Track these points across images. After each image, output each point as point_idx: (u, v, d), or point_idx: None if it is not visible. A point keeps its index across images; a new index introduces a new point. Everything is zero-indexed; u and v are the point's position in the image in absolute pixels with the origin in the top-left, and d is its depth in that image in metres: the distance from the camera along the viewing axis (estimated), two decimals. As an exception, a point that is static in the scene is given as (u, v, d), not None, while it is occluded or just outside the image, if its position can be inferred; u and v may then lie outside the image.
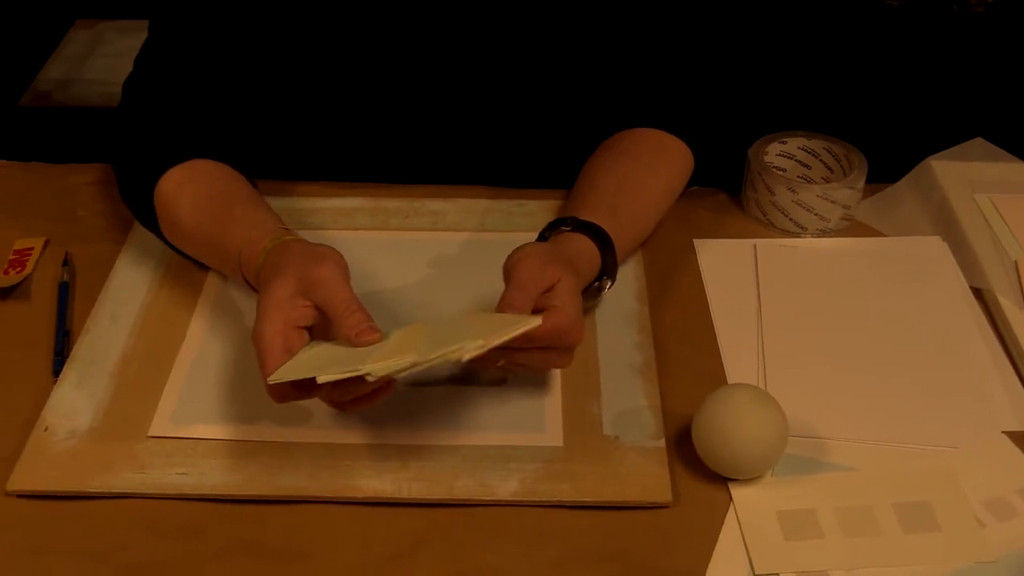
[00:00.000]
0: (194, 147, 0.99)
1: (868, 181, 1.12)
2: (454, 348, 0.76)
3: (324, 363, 0.80)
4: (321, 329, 0.84)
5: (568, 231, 0.96)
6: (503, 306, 0.84)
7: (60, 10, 2.34)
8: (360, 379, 0.77)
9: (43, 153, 1.22)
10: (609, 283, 0.96)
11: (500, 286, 1.01)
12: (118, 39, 2.25)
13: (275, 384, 0.79)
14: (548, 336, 0.83)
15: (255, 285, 0.89)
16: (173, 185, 0.97)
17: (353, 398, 0.81)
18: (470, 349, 0.76)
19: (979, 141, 1.24)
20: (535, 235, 0.99)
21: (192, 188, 0.97)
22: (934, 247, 1.10)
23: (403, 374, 0.76)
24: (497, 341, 0.77)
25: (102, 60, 2.19)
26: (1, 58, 2.18)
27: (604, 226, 0.96)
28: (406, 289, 1.02)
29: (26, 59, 2.20)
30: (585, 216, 0.96)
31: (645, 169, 1.05)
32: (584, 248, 0.94)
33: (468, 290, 1.02)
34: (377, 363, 0.76)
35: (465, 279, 1.03)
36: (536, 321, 0.80)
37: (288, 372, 0.79)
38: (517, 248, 0.89)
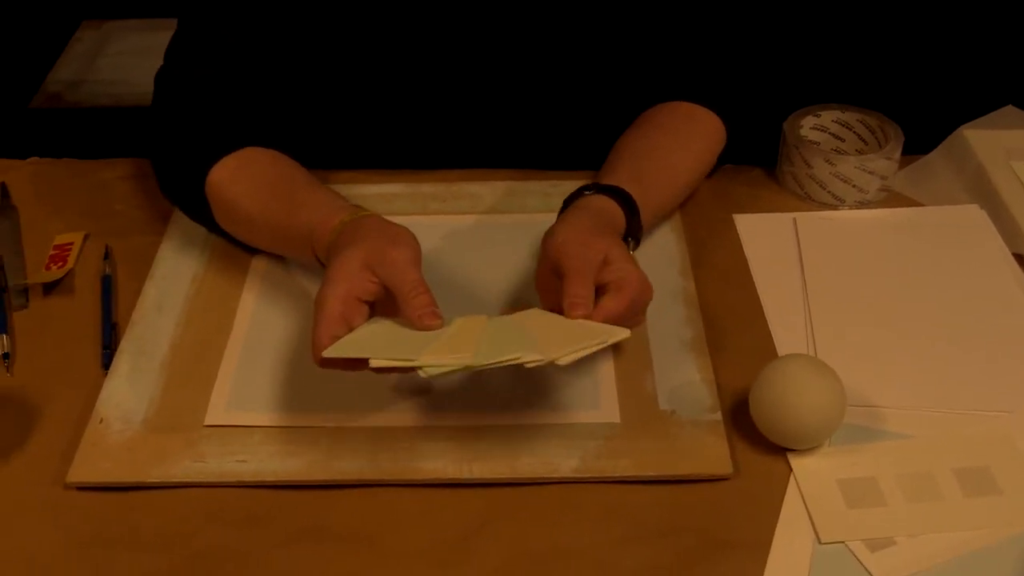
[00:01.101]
0: (243, 136, 0.99)
1: (902, 152, 1.12)
2: (511, 357, 0.76)
3: (380, 344, 0.80)
4: (384, 307, 0.84)
5: (590, 194, 0.96)
6: (570, 306, 0.82)
7: (66, 11, 2.33)
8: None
9: (58, 154, 1.21)
10: (633, 244, 0.96)
11: (534, 265, 1.01)
12: (125, 38, 2.25)
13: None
14: (627, 310, 0.83)
15: (325, 261, 0.89)
16: (227, 173, 0.97)
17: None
18: (529, 361, 0.76)
19: (1010, 109, 1.24)
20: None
21: (249, 173, 0.97)
22: (973, 215, 1.10)
23: (455, 375, 0.77)
24: (572, 356, 0.77)
25: (111, 60, 2.19)
26: (10, 61, 2.18)
27: (627, 189, 0.95)
28: (447, 271, 1.02)
29: (34, 61, 2.20)
30: (607, 181, 0.96)
31: (673, 139, 1.05)
32: (607, 207, 0.94)
33: (507, 271, 1.02)
34: (430, 358, 0.76)
35: (504, 260, 1.03)
36: (621, 334, 0.80)
37: (344, 348, 0.79)
38: (550, 233, 0.89)
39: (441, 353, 0.78)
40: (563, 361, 0.77)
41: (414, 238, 0.86)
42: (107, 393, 0.90)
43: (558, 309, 0.84)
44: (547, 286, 0.89)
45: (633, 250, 0.96)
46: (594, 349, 0.79)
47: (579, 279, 0.84)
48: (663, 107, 1.09)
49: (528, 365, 0.76)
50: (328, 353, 0.79)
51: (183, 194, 1.01)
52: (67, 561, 0.79)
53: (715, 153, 1.10)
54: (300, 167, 1.00)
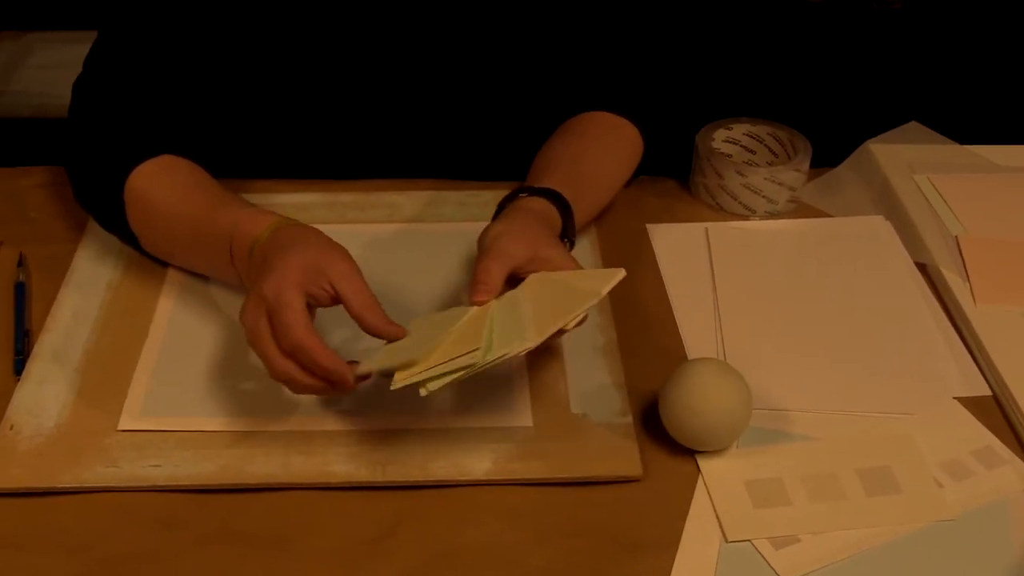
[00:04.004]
0: (162, 143, 0.99)
1: (810, 165, 1.15)
2: (509, 351, 0.79)
3: (398, 351, 0.82)
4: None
5: (525, 196, 0.97)
6: (472, 289, 0.85)
7: (-17, 23, 2.30)
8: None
9: (-25, 166, 1.20)
10: (569, 245, 0.97)
11: (458, 273, 1.03)
12: (46, 50, 2.22)
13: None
14: None
15: (243, 261, 0.89)
16: (145, 179, 0.97)
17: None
18: (525, 349, 0.79)
19: (914, 125, 1.28)
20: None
21: (169, 178, 0.97)
22: (878, 226, 1.14)
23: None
24: (577, 318, 0.81)
25: (30, 72, 2.16)
26: (-74, 72, 2.14)
27: (561, 191, 0.97)
28: (368, 279, 1.02)
29: (-49, 73, 2.16)
30: (540, 185, 0.98)
31: (598, 146, 1.07)
32: (544, 209, 0.96)
33: (428, 278, 1.03)
34: (436, 366, 0.79)
35: (424, 268, 1.04)
36: (617, 276, 0.83)
37: (376, 362, 0.81)
38: (485, 231, 0.91)
39: (455, 349, 0.80)
40: (570, 326, 0.81)
41: (347, 251, 0.86)
42: (18, 399, 0.89)
43: None
44: None
45: (570, 250, 0.98)
46: (587, 306, 0.82)
47: (489, 264, 0.86)
48: (584, 117, 1.11)
49: (523, 352, 0.79)
50: (362, 370, 0.80)
51: (99, 200, 1.00)
52: (-24, 567, 0.78)
53: (636, 162, 1.12)
54: (214, 179, 1.00)
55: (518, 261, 0.87)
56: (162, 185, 0.97)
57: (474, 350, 0.79)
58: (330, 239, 0.87)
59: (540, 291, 0.86)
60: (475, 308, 0.86)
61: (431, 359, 0.80)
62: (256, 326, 0.81)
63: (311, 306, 0.83)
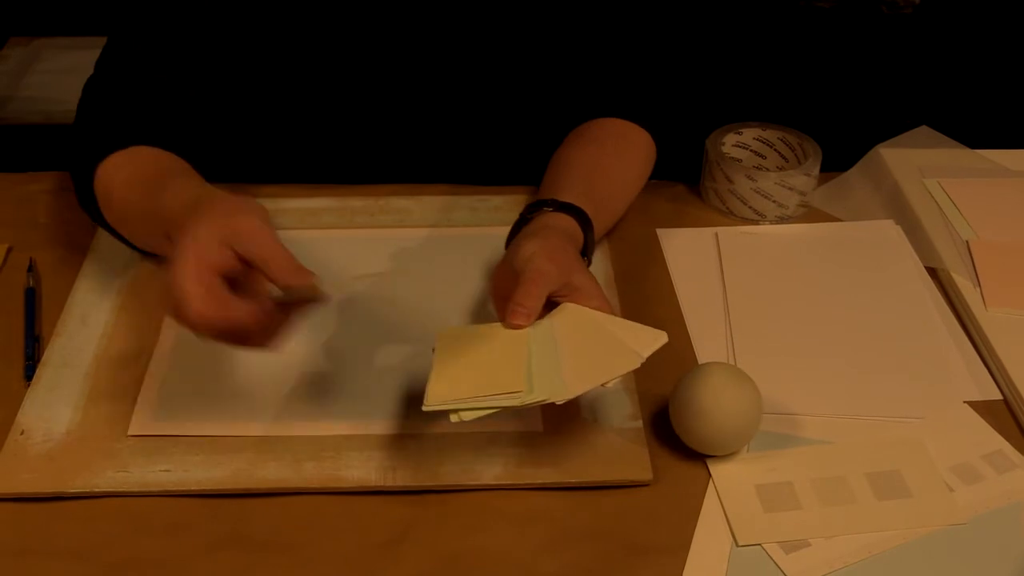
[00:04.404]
0: (139, 135, 0.98)
1: (820, 170, 1.15)
2: (544, 398, 0.79)
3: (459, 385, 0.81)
4: (244, 283, 0.80)
5: (551, 211, 0.97)
6: (511, 312, 0.84)
7: (-7, 28, 2.31)
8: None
9: (-15, 171, 1.21)
10: (587, 262, 0.97)
11: (469, 278, 1.02)
12: (55, 56, 2.23)
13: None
14: None
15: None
16: (112, 167, 0.96)
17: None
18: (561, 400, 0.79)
19: (924, 129, 1.28)
20: (500, 229, 0.99)
21: (130, 167, 0.95)
22: (889, 230, 1.13)
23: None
24: (617, 378, 0.81)
25: (39, 77, 2.17)
26: (-65, 78, 2.15)
27: (582, 207, 0.97)
28: (375, 285, 1.03)
29: (-41, 78, 2.17)
30: (563, 198, 0.98)
31: (612, 156, 1.07)
32: (570, 227, 0.95)
33: (439, 284, 1.03)
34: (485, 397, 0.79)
35: (433, 273, 1.05)
36: (659, 340, 0.83)
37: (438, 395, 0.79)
38: (517, 246, 0.89)
39: (494, 380, 0.80)
40: (609, 385, 0.81)
41: (260, 206, 0.82)
42: (29, 405, 0.90)
43: None
44: (506, 296, 0.88)
45: (588, 267, 0.98)
46: (629, 370, 0.82)
47: (530, 288, 0.84)
48: (596, 123, 1.11)
49: (560, 403, 0.79)
50: (428, 407, 0.78)
51: (81, 195, 1.00)
52: (-13, 572, 0.79)
53: (649, 169, 1.12)
54: (189, 166, 0.96)
55: (555, 285, 0.86)
56: (122, 173, 0.95)
57: (516, 392, 0.79)
58: (233, 198, 0.83)
59: (577, 332, 0.85)
60: (511, 330, 0.85)
61: (469, 385, 0.80)
62: (170, 313, 0.78)
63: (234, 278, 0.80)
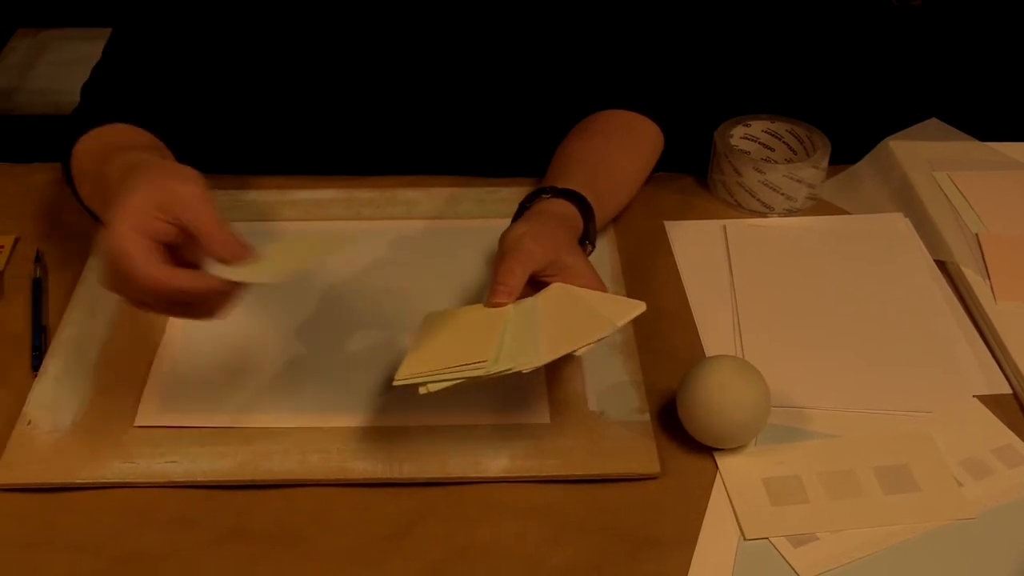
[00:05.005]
0: (120, 114, 0.97)
1: (829, 162, 1.14)
2: (515, 366, 0.78)
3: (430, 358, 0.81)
4: (183, 251, 0.79)
5: (549, 197, 0.96)
6: (492, 291, 0.84)
7: (0, 19, 2.30)
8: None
9: (-9, 162, 1.21)
10: (590, 248, 0.97)
11: (476, 270, 1.02)
12: (62, 47, 2.22)
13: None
14: None
15: None
16: (86, 140, 0.95)
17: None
18: (528, 368, 0.79)
19: (934, 121, 1.27)
20: (507, 221, 0.98)
21: (98, 141, 0.95)
22: (898, 223, 1.13)
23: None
24: (588, 345, 0.80)
25: (47, 69, 2.17)
26: (-59, 69, 2.15)
27: (582, 192, 0.97)
28: (382, 276, 1.03)
29: (-34, 69, 2.17)
30: (563, 185, 0.98)
31: (617, 146, 1.07)
32: (567, 212, 0.95)
33: (446, 276, 1.03)
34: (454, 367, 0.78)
35: (440, 265, 1.04)
36: (637, 309, 0.83)
37: (409, 372, 0.79)
38: (508, 230, 0.90)
39: (464, 353, 0.79)
40: (579, 352, 0.80)
41: (199, 174, 0.79)
42: (36, 395, 0.90)
43: None
44: None
45: (590, 253, 0.98)
46: (600, 337, 0.81)
47: (511, 266, 0.85)
48: (603, 115, 1.10)
49: (527, 371, 0.79)
50: (399, 382, 0.78)
51: (67, 174, 0.99)
52: (-7, 563, 0.79)
53: (655, 161, 1.12)
54: (160, 143, 0.95)
55: (540, 264, 0.86)
56: (89, 144, 0.95)
57: (482, 361, 0.79)
58: (170, 165, 0.82)
59: (559, 307, 0.85)
60: (492, 309, 0.85)
61: (439, 359, 0.80)
62: (115, 288, 0.77)
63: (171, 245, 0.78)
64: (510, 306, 0.85)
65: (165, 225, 0.76)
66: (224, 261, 0.76)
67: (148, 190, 0.76)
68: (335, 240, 0.89)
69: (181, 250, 0.78)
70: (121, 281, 0.76)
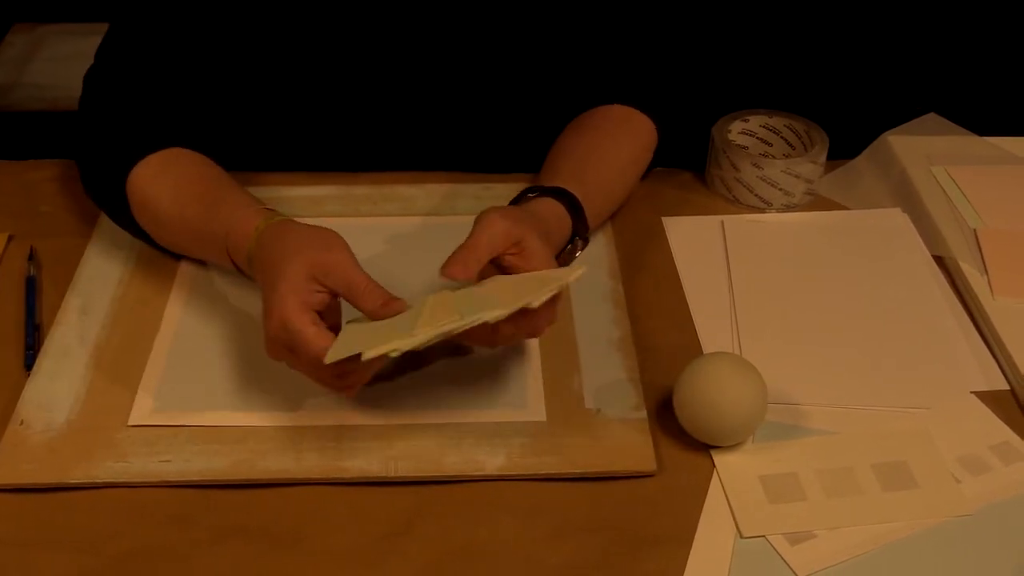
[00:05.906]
0: (168, 135, 0.99)
1: (827, 158, 1.14)
2: (477, 318, 0.78)
3: (368, 337, 0.80)
4: (330, 315, 0.85)
5: (535, 197, 0.97)
6: (446, 263, 0.85)
7: (-4, 14, 2.30)
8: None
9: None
10: (582, 244, 0.97)
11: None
12: (59, 43, 2.22)
13: (335, 367, 0.80)
14: None
15: (244, 267, 0.89)
16: (150, 173, 0.97)
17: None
18: (494, 317, 0.79)
19: (932, 116, 1.27)
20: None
21: (173, 173, 0.97)
22: (896, 218, 1.12)
23: (435, 339, 0.79)
24: (543, 298, 0.80)
25: (43, 64, 2.16)
26: (-62, 64, 2.14)
27: (569, 189, 0.97)
28: (379, 273, 1.02)
29: (-38, 65, 2.17)
30: (551, 183, 0.97)
31: (611, 140, 1.06)
32: (552, 210, 0.95)
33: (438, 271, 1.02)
34: (419, 331, 0.78)
35: (437, 262, 1.02)
36: (576, 272, 0.83)
37: (339, 351, 0.79)
38: (479, 215, 0.90)
39: (427, 327, 0.79)
40: (534, 304, 0.80)
41: (342, 238, 0.86)
42: (29, 394, 0.89)
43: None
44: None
45: (582, 249, 0.98)
46: (551, 293, 0.81)
47: (474, 242, 0.86)
48: (598, 110, 1.10)
49: (492, 320, 0.79)
50: (329, 359, 0.78)
51: (105, 193, 1.00)
52: (-13, 562, 0.78)
53: (650, 155, 1.11)
54: (222, 170, 1.00)
55: (504, 241, 0.86)
56: (163, 180, 0.97)
57: (452, 319, 0.79)
58: (318, 234, 0.86)
59: (506, 282, 0.86)
60: (443, 293, 0.85)
61: (375, 336, 0.80)
62: (280, 357, 0.84)
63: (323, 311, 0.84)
64: (453, 293, 0.85)
65: (323, 296, 0.83)
66: (376, 316, 0.82)
67: (303, 263, 0.83)
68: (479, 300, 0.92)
69: (332, 313, 0.86)
70: (286, 352, 0.83)
